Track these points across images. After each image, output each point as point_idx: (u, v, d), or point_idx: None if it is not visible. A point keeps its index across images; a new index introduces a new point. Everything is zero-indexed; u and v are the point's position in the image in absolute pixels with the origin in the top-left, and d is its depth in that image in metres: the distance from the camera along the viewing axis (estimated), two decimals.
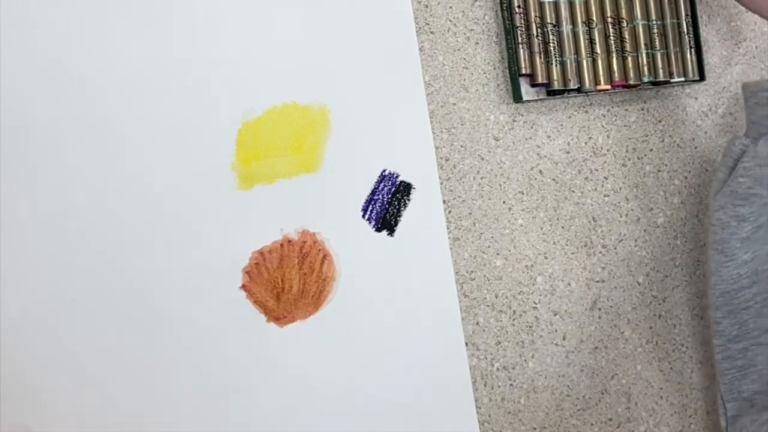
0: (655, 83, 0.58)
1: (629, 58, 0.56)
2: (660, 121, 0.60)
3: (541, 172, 0.56)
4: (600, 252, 0.57)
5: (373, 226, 0.51)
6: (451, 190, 0.53)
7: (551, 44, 0.54)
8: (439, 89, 0.53)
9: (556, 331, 0.56)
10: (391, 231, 0.51)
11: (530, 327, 0.55)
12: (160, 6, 0.46)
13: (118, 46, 0.46)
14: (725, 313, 0.54)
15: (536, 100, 0.55)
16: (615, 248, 0.58)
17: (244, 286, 0.47)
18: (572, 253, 0.57)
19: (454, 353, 0.52)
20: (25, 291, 0.43)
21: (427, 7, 0.53)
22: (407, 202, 0.51)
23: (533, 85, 0.54)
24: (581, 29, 0.55)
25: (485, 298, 0.54)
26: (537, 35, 0.53)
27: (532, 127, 0.56)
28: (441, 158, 0.53)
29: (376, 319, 0.50)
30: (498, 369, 0.54)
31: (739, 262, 0.52)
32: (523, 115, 0.56)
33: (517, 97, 0.54)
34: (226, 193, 0.47)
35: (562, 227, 0.56)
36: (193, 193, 0.47)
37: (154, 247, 0.46)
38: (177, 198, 0.46)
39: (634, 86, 0.57)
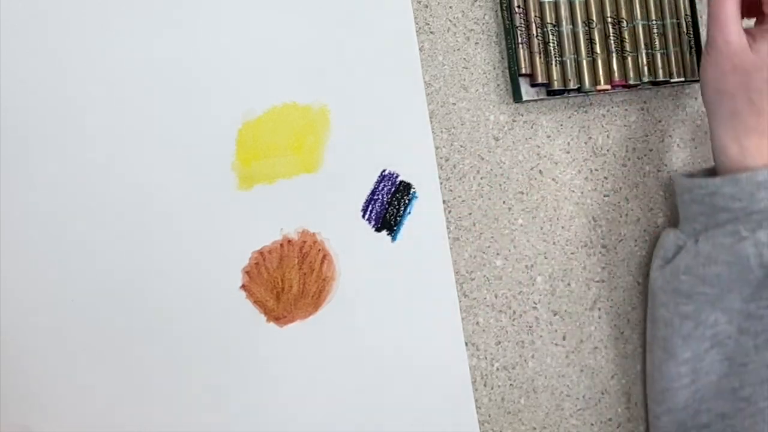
0: (655, 83, 0.58)
1: (629, 58, 0.56)
2: (660, 121, 0.60)
3: (541, 172, 0.56)
4: (600, 252, 0.57)
5: (373, 226, 0.51)
6: (451, 190, 0.53)
7: (551, 44, 0.54)
8: (439, 89, 0.53)
9: (556, 331, 0.56)
10: (391, 231, 0.51)
11: (530, 327, 0.55)
12: (160, 6, 0.46)
13: (118, 46, 0.46)
14: (664, 411, 0.53)
15: (536, 100, 0.55)
16: (615, 248, 0.58)
17: (243, 286, 0.48)
18: (572, 253, 0.57)
19: (454, 353, 0.52)
20: (25, 291, 0.43)
21: (427, 7, 0.53)
22: (407, 202, 0.51)
23: (533, 85, 0.54)
24: (581, 29, 0.55)
25: (485, 298, 0.54)
26: (537, 35, 0.53)
27: (532, 127, 0.56)
28: (441, 158, 0.53)
29: (376, 319, 0.50)
30: (498, 369, 0.54)
31: (680, 360, 0.52)
32: (523, 115, 0.56)
33: (517, 97, 0.54)
34: (226, 193, 0.47)
35: (562, 227, 0.56)
36: (193, 193, 0.47)
37: (154, 247, 0.46)
38: (177, 198, 0.46)
39: (634, 86, 0.57)
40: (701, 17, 0.60)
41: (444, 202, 0.53)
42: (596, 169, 0.58)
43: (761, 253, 0.48)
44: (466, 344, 0.53)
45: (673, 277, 0.52)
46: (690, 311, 0.51)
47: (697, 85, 0.62)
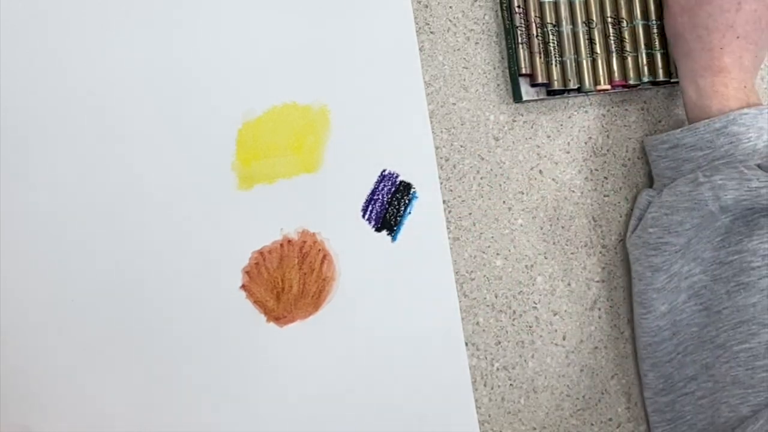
0: (655, 83, 0.58)
1: (629, 58, 0.56)
2: (660, 121, 0.60)
3: (541, 172, 0.56)
4: (600, 252, 0.57)
5: (373, 226, 0.51)
6: (451, 190, 0.53)
7: (551, 44, 0.54)
8: (439, 89, 0.53)
9: (556, 331, 0.56)
10: (391, 231, 0.51)
11: (530, 327, 0.55)
12: (160, 6, 0.46)
13: (118, 46, 0.46)
14: (650, 366, 0.54)
15: (536, 100, 0.55)
16: (615, 248, 0.58)
17: (243, 286, 0.48)
18: (572, 253, 0.57)
19: (454, 353, 0.52)
20: (25, 291, 0.43)
21: (427, 7, 0.53)
22: (407, 202, 0.51)
23: (533, 85, 0.54)
24: (581, 29, 0.55)
25: (485, 298, 0.54)
26: (537, 35, 0.53)
27: (532, 127, 0.56)
28: (441, 158, 0.53)
29: (376, 319, 0.50)
30: (498, 369, 0.54)
31: (658, 314, 0.52)
32: (523, 115, 0.56)
33: (517, 97, 0.54)
34: (226, 193, 0.47)
35: (562, 227, 0.56)
36: (193, 193, 0.47)
37: (154, 247, 0.46)
38: (177, 198, 0.46)
39: (634, 86, 0.57)
40: None
41: (444, 202, 0.53)
42: (596, 169, 0.58)
43: (718, 195, 0.48)
44: (466, 344, 0.53)
45: (642, 231, 0.53)
46: (660, 263, 0.51)
47: None
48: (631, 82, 0.56)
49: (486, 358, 0.54)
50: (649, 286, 0.52)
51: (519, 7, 0.53)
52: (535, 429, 0.55)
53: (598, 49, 0.55)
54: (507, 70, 0.55)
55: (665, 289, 0.52)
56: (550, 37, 0.54)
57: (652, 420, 0.55)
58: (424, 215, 0.52)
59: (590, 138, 0.58)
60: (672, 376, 0.53)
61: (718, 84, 0.51)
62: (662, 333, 0.53)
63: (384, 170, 0.51)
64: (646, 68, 0.56)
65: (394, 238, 0.51)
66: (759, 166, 0.49)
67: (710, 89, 0.51)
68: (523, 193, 0.55)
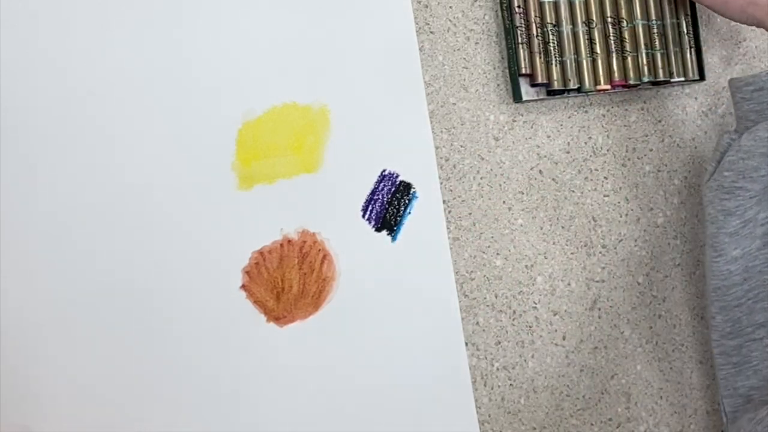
0: (655, 83, 0.58)
1: (629, 58, 0.56)
2: (660, 121, 0.60)
3: (541, 172, 0.56)
4: (600, 252, 0.57)
5: (373, 226, 0.51)
6: (451, 190, 0.53)
7: (551, 44, 0.54)
8: (439, 89, 0.53)
9: (556, 331, 0.56)
10: (391, 231, 0.51)
11: (530, 327, 0.55)
12: (160, 6, 0.46)
13: (118, 46, 0.46)
14: (718, 309, 0.54)
15: (536, 100, 0.55)
16: (615, 248, 0.58)
17: (244, 286, 0.47)
18: (572, 253, 0.57)
19: (454, 353, 0.52)
20: (25, 291, 0.43)
21: (427, 7, 0.53)
22: (407, 202, 0.51)
23: (533, 85, 0.54)
24: (581, 29, 0.55)
25: (485, 298, 0.54)
26: (537, 35, 0.53)
27: (532, 127, 0.56)
28: (441, 158, 0.53)
29: (376, 319, 0.50)
30: (498, 369, 0.54)
31: (729, 258, 0.52)
32: (523, 115, 0.56)
33: (517, 97, 0.54)
34: (226, 193, 0.47)
35: (562, 227, 0.56)
36: (193, 193, 0.47)
37: (155, 247, 0.46)
38: (177, 198, 0.46)
39: (634, 86, 0.57)
40: (701, 17, 0.60)
41: (444, 202, 0.53)
42: (596, 169, 0.58)
43: None
44: (466, 344, 0.53)
45: (718, 173, 0.52)
46: (733, 207, 0.51)
47: (697, 85, 0.62)
48: (631, 82, 0.56)
49: (486, 358, 0.54)
50: (721, 229, 0.52)
51: (519, 7, 0.53)
52: (535, 429, 0.55)
53: (598, 49, 0.55)
54: (507, 70, 0.55)
55: (738, 234, 0.51)
56: (550, 37, 0.54)
57: (717, 362, 0.54)
58: (424, 215, 0.52)
59: (590, 138, 0.58)
60: (741, 321, 0.53)
61: None
62: (733, 277, 0.52)
63: (384, 170, 0.51)
64: (646, 68, 0.56)
65: (394, 238, 0.51)
66: None
67: None
68: (523, 193, 0.55)
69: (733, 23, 0.63)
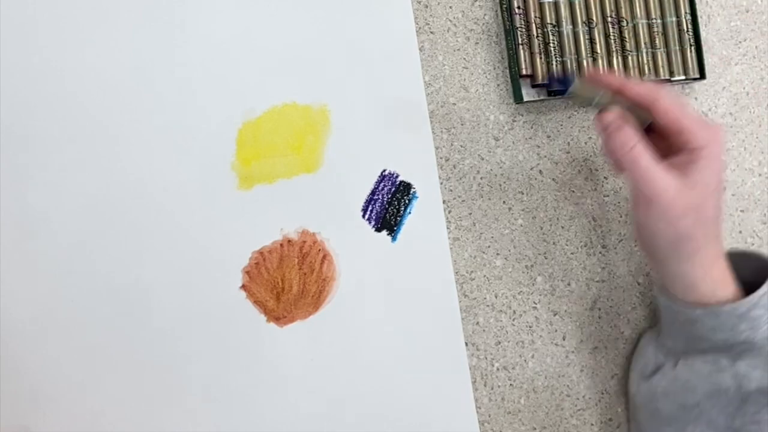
0: (656, 83, 0.58)
1: (629, 58, 0.56)
2: None
3: (541, 172, 0.56)
4: (600, 252, 0.57)
5: (373, 226, 0.51)
6: (451, 190, 0.53)
7: (551, 44, 0.54)
8: (439, 89, 0.53)
9: (556, 331, 0.56)
10: (391, 231, 0.51)
11: (530, 327, 0.55)
12: (160, 6, 0.46)
13: (118, 46, 0.46)
14: None
15: (536, 101, 0.55)
16: (615, 248, 0.58)
17: (244, 286, 0.48)
18: (572, 253, 0.57)
19: (454, 353, 0.52)
20: (25, 291, 0.43)
21: (427, 7, 0.53)
22: (407, 202, 0.51)
23: (534, 86, 0.54)
24: (581, 29, 0.55)
25: (485, 298, 0.54)
26: (537, 36, 0.53)
27: (532, 127, 0.56)
28: (441, 158, 0.53)
29: (376, 319, 0.50)
30: (498, 369, 0.54)
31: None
32: (523, 115, 0.56)
33: (518, 99, 0.54)
34: (226, 193, 0.47)
35: (562, 227, 0.56)
36: (193, 193, 0.47)
37: (154, 248, 0.46)
38: (177, 198, 0.46)
39: None
40: (701, 16, 0.60)
41: (444, 202, 0.53)
42: (596, 169, 0.58)
43: (740, 384, 0.47)
44: (466, 344, 0.53)
45: (652, 396, 0.51)
46: (672, 431, 0.50)
47: (697, 85, 0.61)
48: None
49: (486, 358, 0.54)
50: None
51: (519, 7, 0.53)
52: (535, 429, 0.55)
53: (598, 49, 0.55)
54: (507, 71, 0.55)
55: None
56: (551, 37, 0.54)
57: None
58: (424, 215, 0.52)
59: (590, 138, 0.58)
60: None
61: (725, 269, 0.48)
62: None
63: (384, 170, 0.51)
64: (646, 67, 0.56)
65: (394, 238, 0.51)
66: None
67: (721, 277, 0.48)
68: (523, 193, 0.55)
69: (732, 23, 0.63)
